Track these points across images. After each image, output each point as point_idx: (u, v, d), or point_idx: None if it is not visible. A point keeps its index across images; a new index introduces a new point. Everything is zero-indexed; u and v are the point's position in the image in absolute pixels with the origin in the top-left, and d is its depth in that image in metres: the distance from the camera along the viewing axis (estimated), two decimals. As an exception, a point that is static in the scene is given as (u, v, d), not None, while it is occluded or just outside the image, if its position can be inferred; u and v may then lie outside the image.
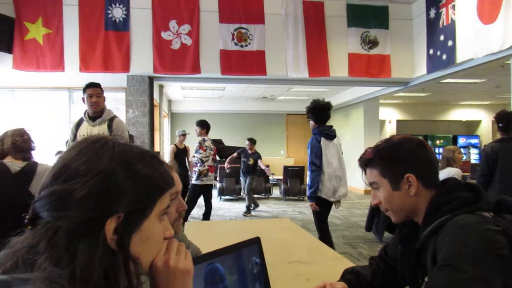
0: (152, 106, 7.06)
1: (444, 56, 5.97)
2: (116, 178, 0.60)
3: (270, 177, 10.19)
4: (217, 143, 9.83)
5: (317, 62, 6.74)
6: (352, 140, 11.03)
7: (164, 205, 0.67)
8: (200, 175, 5.89)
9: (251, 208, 8.11)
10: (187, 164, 7.14)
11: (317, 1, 6.72)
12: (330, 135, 4.05)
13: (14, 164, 2.13)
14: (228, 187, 9.64)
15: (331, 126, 4.17)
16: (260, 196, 9.99)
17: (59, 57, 6.21)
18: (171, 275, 0.67)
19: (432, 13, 6.26)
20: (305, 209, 8.36)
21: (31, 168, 2.13)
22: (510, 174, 3.47)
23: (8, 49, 6.04)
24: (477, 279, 0.87)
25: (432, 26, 6.27)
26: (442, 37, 6.02)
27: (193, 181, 6.00)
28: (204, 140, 6.00)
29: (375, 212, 5.25)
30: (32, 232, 0.59)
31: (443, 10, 6.00)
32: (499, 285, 0.86)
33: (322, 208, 3.86)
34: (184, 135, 7.26)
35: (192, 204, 6.08)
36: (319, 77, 6.87)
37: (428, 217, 1.07)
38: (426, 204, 1.09)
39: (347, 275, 1.31)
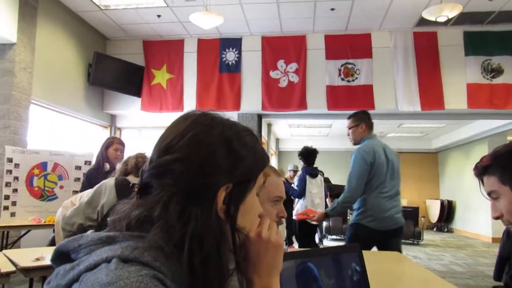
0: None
1: None
2: (229, 148, 0.64)
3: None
4: (326, 181, 9.69)
5: (431, 94, 6.34)
6: (474, 182, 9.84)
7: (260, 181, 0.70)
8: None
9: None
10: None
11: (430, 31, 6.41)
12: (313, 174, 5.53)
13: (135, 180, 2.39)
14: (334, 226, 9.33)
15: (316, 167, 5.63)
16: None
17: (179, 99, 6.86)
18: (263, 247, 0.67)
19: None
20: (419, 253, 7.64)
21: None
22: None
23: (138, 94, 6.88)
24: None
25: None
26: None
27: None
28: None
29: (505, 260, 4.55)
30: (144, 200, 0.62)
31: None
32: None
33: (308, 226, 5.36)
34: (296, 171, 7.39)
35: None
36: (433, 110, 6.43)
37: None
38: None
39: None
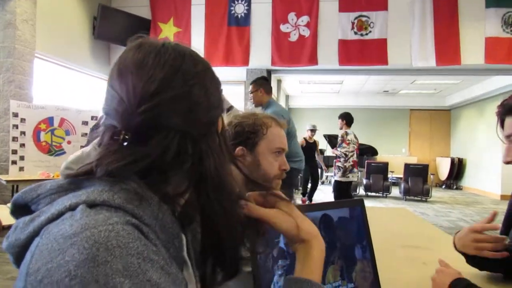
0: (269, 98, 7.19)
1: None
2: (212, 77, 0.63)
3: (389, 175, 9.63)
4: (334, 138, 9.65)
5: (447, 48, 6.08)
6: (487, 140, 9.74)
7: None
8: (345, 171, 5.63)
9: None
10: (316, 157, 7.99)
11: (449, -19, 6.06)
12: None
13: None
14: (375, 183, 9.34)
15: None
16: (377, 194, 9.49)
17: (186, 53, 6.70)
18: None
19: None
20: (427, 210, 7.67)
21: None
22: None
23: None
24: None
25: None
26: None
27: (337, 177, 5.73)
28: (346, 134, 5.75)
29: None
30: (141, 146, 0.52)
31: None
32: None
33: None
34: (313, 130, 7.56)
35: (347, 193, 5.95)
36: (448, 66, 6.21)
37: None
38: None
39: None
